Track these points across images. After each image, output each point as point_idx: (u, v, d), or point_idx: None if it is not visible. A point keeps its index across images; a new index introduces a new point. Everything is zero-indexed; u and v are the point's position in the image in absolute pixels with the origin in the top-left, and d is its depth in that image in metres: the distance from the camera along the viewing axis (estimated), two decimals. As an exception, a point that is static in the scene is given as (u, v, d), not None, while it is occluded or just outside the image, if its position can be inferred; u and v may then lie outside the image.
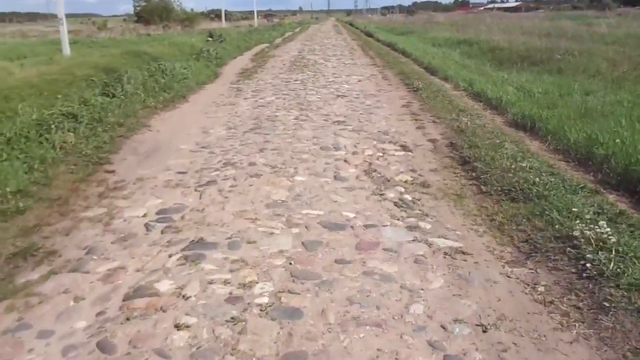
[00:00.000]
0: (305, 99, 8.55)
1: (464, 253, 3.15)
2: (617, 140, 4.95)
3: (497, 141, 5.48)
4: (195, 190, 4.17)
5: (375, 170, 4.72)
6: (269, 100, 8.46)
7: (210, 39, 24.39)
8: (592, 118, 6.51)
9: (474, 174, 4.66)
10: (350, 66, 13.90)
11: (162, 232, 3.35)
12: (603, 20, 42.16)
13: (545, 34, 24.59)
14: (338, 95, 8.91)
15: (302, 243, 3.17)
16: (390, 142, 5.76)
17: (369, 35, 32.02)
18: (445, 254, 3.12)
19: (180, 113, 7.49)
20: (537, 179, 4.22)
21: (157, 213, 3.71)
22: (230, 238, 3.21)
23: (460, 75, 11.27)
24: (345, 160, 5.01)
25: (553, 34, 23.52)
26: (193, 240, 3.18)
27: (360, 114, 7.40)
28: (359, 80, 10.96)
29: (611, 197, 4.10)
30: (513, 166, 4.63)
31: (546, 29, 27.74)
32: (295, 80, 10.87)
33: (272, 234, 3.30)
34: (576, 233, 3.16)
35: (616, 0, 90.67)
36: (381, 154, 5.28)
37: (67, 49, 17.28)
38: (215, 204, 3.82)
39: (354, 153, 5.30)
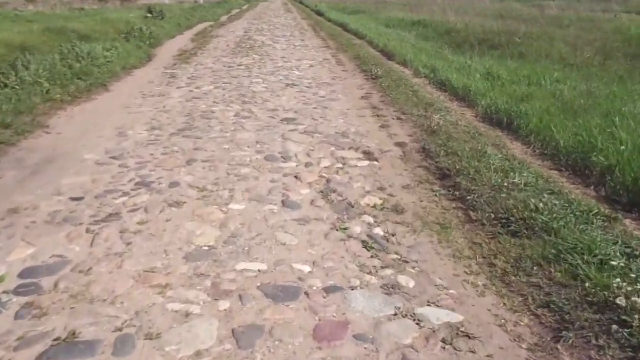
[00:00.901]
0: (249, 89, 7.35)
1: (468, 336, 2.19)
2: (622, 147, 4.14)
3: (478, 146, 4.57)
4: (87, 230, 2.99)
5: (334, 191, 3.68)
6: (206, 91, 7.20)
7: (149, 15, 22.46)
8: (574, 113, 5.75)
9: (457, 192, 3.72)
10: (301, 49, 12.71)
11: (14, 318, 2.17)
12: (548, 2, 42.73)
13: (497, 15, 24.34)
14: (287, 84, 7.76)
15: (233, 332, 2.10)
16: (351, 147, 4.73)
17: (320, 14, 30.72)
18: (444, 341, 2.13)
19: (94, 107, 6.13)
20: (539, 203, 3.33)
21: (21, 275, 2.52)
22: (120, 329, 2.08)
23: (419, 60, 10.41)
24: (296, 177, 3.93)
25: (506, 16, 23.28)
26: (58, 338, 2.03)
27: (314, 108, 6.32)
28: (311, 66, 9.83)
29: (631, 225, 3.27)
30: (504, 183, 3.73)
31: (497, 10, 27.54)
32: (239, 66, 9.60)
33: (188, 315, 2.20)
34: (620, 301, 2.26)
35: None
36: (341, 165, 4.24)
37: (-22, 25, 15.13)
38: (111, 258, 2.67)
39: (307, 164, 4.23)
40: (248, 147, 4.61)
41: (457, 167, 4.09)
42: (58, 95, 5.96)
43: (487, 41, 13.55)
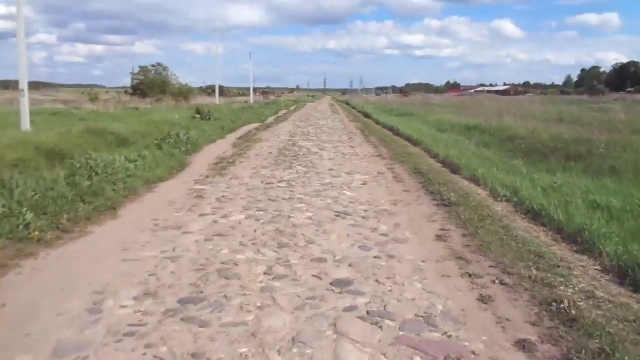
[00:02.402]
0: (289, 220, 5.72)
1: None
2: None
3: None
4: None
5: None
6: (234, 222, 5.63)
7: (197, 115, 22.31)
8: None
9: None
10: (351, 158, 11.32)
11: None
12: (607, 106, 41.33)
13: (557, 119, 22.80)
14: (337, 213, 6.11)
15: None
16: (447, 356, 2.86)
17: (367, 116, 30.25)
18: None
19: (81, 250, 4.60)
20: None
21: None
22: None
23: (492, 175, 8.71)
24: None
25: (567, 120, 21.69)
26: None
27: (375, 257, 4.56)
28: (364, 183, 8.26)
29: None
30: None
31: (555, 114, 26.13)
32: (280, 182, 8.14)
33: None
34: None
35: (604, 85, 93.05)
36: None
37: (25, 123, 14.76)
38: None
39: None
40: (278, 352, 2.82)
41: None
42: (36, 233, 4.49)
43: (561, 151, 11.78)
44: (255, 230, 5.27)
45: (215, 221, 5.64)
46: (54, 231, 4.76)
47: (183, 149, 11.07)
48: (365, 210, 6.30)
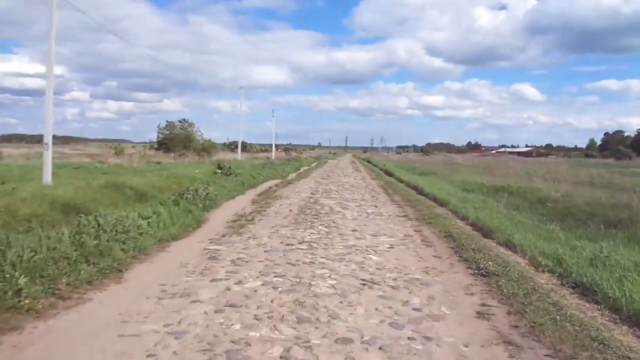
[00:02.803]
0: (309, 289, 5.14)
1: None
2: None
3: None
4: None
5: None
6: (249, 290, 5.06)
7: (219, 170, 22.24)
8: None
9: None
10: (375, 218, 10.76)
11: None
12: (636, 170, 40.21)
13: (587, 182, 21.99)
14: (364, 282, 5.51)
15: None
16: None
17: (389, 174, 29.86)
18: None
19: (75, 323, 4.07)
20: None
21: None
22: None
23: (530, 242, 8.05)
24: None
25: (597, 184, 20.87)
26: None
27: (410, 339, 3.92)
28: (391, 247, 7.66)
29: None
30: None
31: (584, 177, 25.33)
32: (301, 244, 7.61)
33: None
34: None
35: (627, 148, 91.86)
36: None
37: (47, 177, 14.72)
38: None
39: None
40: None
41: None
42: (27, 301, 4.00)
43: (599, 216, 11.02)
44: (272, 301, 4.69)
45: (228, 288, 5.09)
46: (48, 298, 4.28)
47: (201, 205, 10.70)
48: (394, 279, 5.68)
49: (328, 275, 5.72)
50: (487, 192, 17.63)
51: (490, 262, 6.42)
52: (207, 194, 11.54)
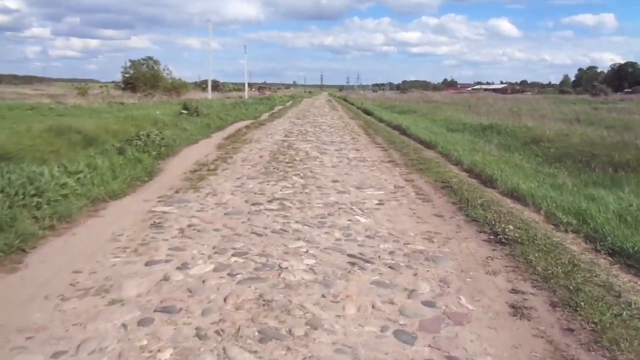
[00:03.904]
0: (280, 277, 3.74)
1: None
2: None
3: None
4: None
5: None
6: (194, 281, 3.64)
7: (184, 111, 20.30)
8: None
9: None
10: (358, 165, 9.36)
11: None
12: (616, 106, 39.56)
13: (573, 119, 20.99)
14: (352, 260, 4.14)
15: None
16: None
17: (368, 113, 28.23)
18: None
19: None
20: None
21: None
22: None
23: (540, 194, 6.88)
24: None
25: (584, 121, 19.86)
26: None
27: (429, 365, 2.62)
28: (381, 203, 6.31)
29: None
30: None
31: (569, 113, 24.34)
32: (271, 201, 6.17)
33: None
34: None
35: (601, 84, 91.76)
36: None
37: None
38: None
39: None
40: None
41: None
42: None
43: (602, 158, 9.86)
44: (225, 300, 3.30)
45: (166, 278, 3.66)
46: None
47: (154, 152, 9.08)
48: (391, 254, 4.34)
49: (305, 250, 4.33)
50: (474, 132, 16.37)
51: (505, 224, 5.13)
52: (163, 138, 9.87)
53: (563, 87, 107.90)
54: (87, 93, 44.08)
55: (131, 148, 8.63)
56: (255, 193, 6.65)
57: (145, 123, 14.59)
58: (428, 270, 3.98)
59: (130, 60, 44.26)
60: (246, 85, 64.61)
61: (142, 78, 43.54)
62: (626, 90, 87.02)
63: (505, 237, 4.79)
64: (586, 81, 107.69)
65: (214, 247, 4.34)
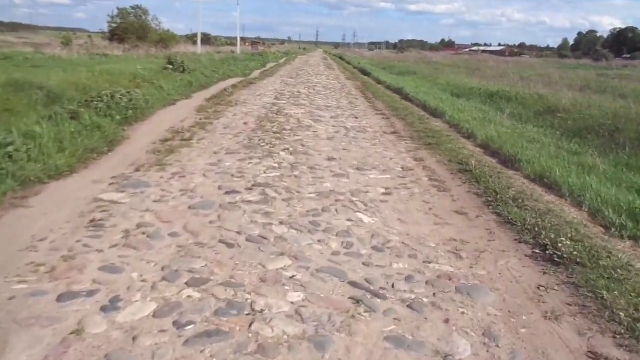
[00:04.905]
0: (249, 329, 2.54)
1: None
2: None
3: None
4: None
5: None
6: (119, 336, 2.44)
7: (169, 66, 18.61)
8: None
9: None
10: (357, 136, 8.08)
11: None
12: (621, 72, 38.16)
13: (583, 86, 19.74)
14: (355, 297, 2.95)
15: None
16: None
17: (365, 73, 26.58)
18: None
19: None
20: None
21: None
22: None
23: (572, 179, 5.75)
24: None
25: (594, 89, 18.58)
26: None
27: None
28: (388, 192, 5.08)
29: None
30: None
31: (576, 80, 23.05)
32: (250, 189, 4.90)
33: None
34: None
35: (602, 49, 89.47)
36: None
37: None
38: None
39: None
40: None
41: None
42: None
43: (627, 133, 8.70)
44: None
45: (79, 331, 2.44)
46: None
47: (119, 117, 7.72)
48: (408, 280, 3.15)
49: (290, 275, 3.11)
50: (480, 98, 15.06)
51: (554, 233, 3.94)
52: (131, 100, 8.45)
53: (562, 51, 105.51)
54: (72, 43, 41.67)
55: (89, 111, 7.25)
56: (232, 175, 5.37)
57: (122, 79, 13.05)
58: (464, 313, 2.80)
59: (118, 9, 41.71)
60: (238, 39, 61.86)
61: (130, 29, 41.16)
62: (625, 56, 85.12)
63: (557, 253, 3.62)
64: (585, 45, 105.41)
65: (162, 268, 3.10)
